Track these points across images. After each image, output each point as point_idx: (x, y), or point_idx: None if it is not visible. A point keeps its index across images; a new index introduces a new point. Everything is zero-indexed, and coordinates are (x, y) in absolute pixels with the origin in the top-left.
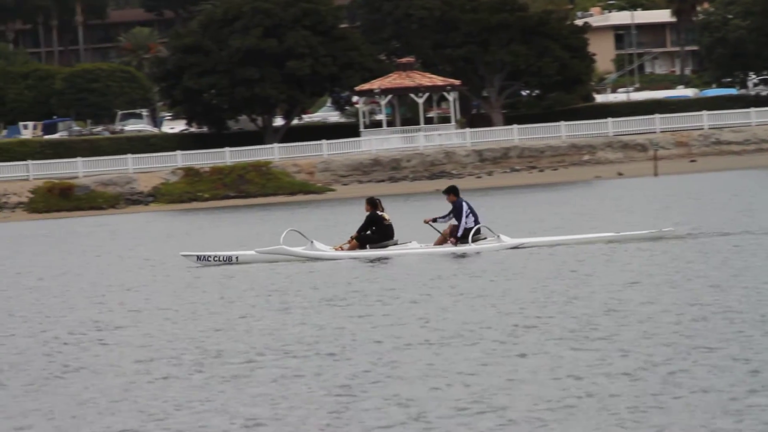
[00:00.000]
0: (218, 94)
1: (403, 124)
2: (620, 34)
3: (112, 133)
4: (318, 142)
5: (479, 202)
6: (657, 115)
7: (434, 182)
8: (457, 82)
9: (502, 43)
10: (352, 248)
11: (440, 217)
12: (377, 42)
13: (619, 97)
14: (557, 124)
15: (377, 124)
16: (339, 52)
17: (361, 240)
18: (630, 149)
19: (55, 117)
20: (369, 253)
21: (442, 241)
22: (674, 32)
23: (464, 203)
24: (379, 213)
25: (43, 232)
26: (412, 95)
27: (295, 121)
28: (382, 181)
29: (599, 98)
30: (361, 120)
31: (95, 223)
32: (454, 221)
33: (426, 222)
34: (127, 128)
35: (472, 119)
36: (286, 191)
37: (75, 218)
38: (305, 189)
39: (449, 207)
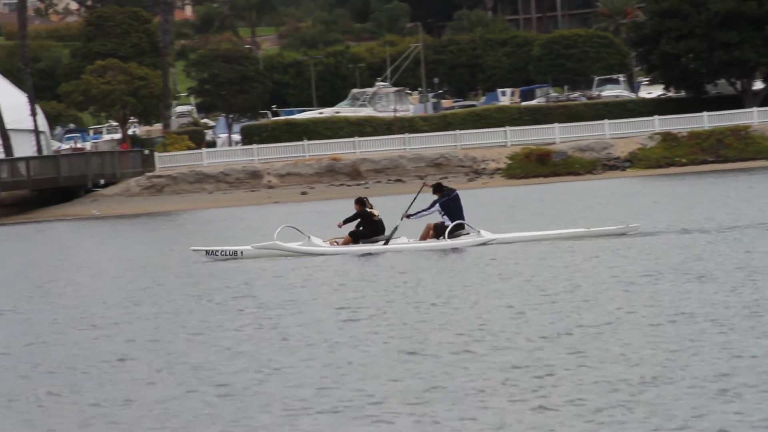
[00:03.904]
0: (696, 58)
1: None
2: None
3: (589, 98)
4: None
5: None
6: None
7: None
8: None
9: None
10: (345, 244)
11: (421, 212)
12: None
13: None
14: None
15: None
16: None
17: (354, 236)
18: None
19: (532, 83)
20: (362, 247)
21: (425, 236)
22: None
23: (438, 204)
24: (368, 210)
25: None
26: None
27: None
28: None
29: None
30: None
31: (571, 189)
32: (437, 216)
33: (404, 217)
34: (603, 93)
35: None
36: (766, 155)
37: (551, 184)
38: None
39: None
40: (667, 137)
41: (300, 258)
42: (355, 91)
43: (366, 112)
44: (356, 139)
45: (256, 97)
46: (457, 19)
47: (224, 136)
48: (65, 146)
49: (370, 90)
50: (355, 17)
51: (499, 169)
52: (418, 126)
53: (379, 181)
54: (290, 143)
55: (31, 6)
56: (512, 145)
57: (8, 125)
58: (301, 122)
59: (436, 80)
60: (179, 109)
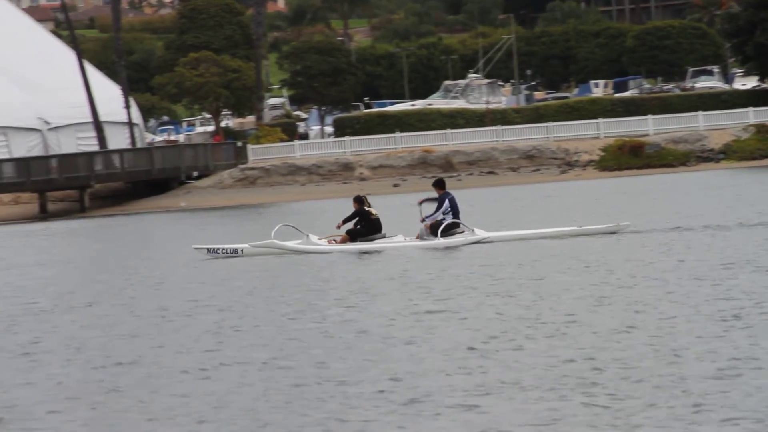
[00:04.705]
0: None
1: None
2: None
3: (683, 90)
4: None
5: None
6: None
7: None
8: None
9: None
10: (342, 242)
11: (429, 199)
12: None
13: None
14: None
15: None
16: None
17: (352, 234)
18: None
19: (626, 75)
20: (360, 246)
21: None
22: None
23: (447, 200)
24: (366, 208)
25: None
26: None
27: None
28: None
29: None
30: None
31: (662, 181)
32: (433, 210)
33: (420, 202)
34: (697, 85)
35: None
36: None
37: (644, 176)
38: None
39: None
40: (762, 129)
41: (301, 256)
42: (447, 83)
43: (458, 104)
44: (448, 131)
45: (348, 89)
46: (550, 10)
47: (317, 128)
48: (159, 138)
49: (462, 82)
50: (448, 9)
51: (591, 161)
52: (510, 118)
53: (471, 173)
54: (382, 135)
55: None
56: (605, 137)
57: (102, 118)
58: (393, 114)
59: (528, 72)
60: (272, 101)
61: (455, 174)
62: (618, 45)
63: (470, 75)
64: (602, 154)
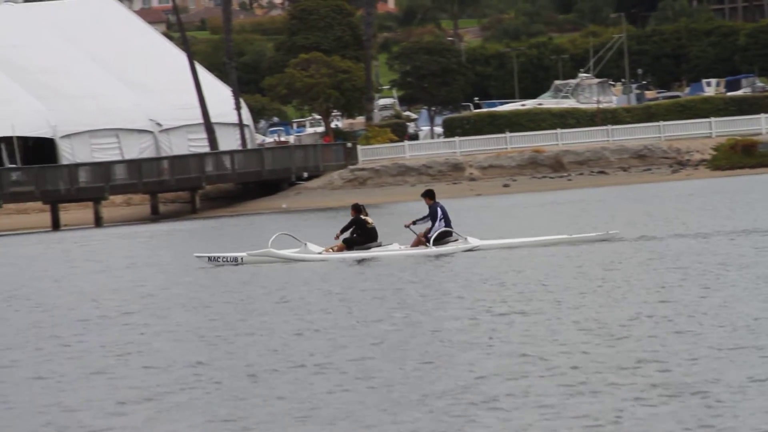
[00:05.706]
0: None
1: None
2: None
3: None
4: None
5: None
6: None
7: None
8: None
9: None
10: (339, 250)
11: (419, 220)
12: None
13: None
14: None
15: None
16: None
17: (348, 242)
18: None
19: (738, 73)
20: (355, 254)
21: (417, 243)
22: None
23: (439, 208)
24: (362, 217)
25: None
26: None
27: None
28: None
29: None
30: None
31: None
32: (429, 224)
33: (406, 226)
34: None
35: None
36: None
37: (757, 175)
38: None
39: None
40: None
41: (295, 264)
42: (557, 82)
43: (569, 103)
44: (559, 130)
45: (458, 89)
46: (661, 8)
47: (426, 128)
48: (269, 139)
49: (572, 81)
50: (558, 8)
51: (703, 160)
52: (621, 117)
53: (581, 173)
54: (492, 135)
55: (236, 0)
56: (717, 136)
57: (213, 119)
58: (503, 114)
59: (639, 71)
60: (382, 101)
61: (566, 174)
62: (730, 43)
63: (581, 74)
64: (714, 153)
